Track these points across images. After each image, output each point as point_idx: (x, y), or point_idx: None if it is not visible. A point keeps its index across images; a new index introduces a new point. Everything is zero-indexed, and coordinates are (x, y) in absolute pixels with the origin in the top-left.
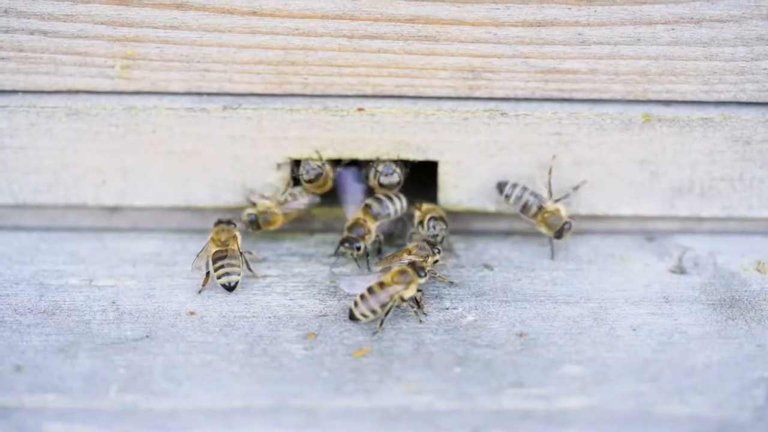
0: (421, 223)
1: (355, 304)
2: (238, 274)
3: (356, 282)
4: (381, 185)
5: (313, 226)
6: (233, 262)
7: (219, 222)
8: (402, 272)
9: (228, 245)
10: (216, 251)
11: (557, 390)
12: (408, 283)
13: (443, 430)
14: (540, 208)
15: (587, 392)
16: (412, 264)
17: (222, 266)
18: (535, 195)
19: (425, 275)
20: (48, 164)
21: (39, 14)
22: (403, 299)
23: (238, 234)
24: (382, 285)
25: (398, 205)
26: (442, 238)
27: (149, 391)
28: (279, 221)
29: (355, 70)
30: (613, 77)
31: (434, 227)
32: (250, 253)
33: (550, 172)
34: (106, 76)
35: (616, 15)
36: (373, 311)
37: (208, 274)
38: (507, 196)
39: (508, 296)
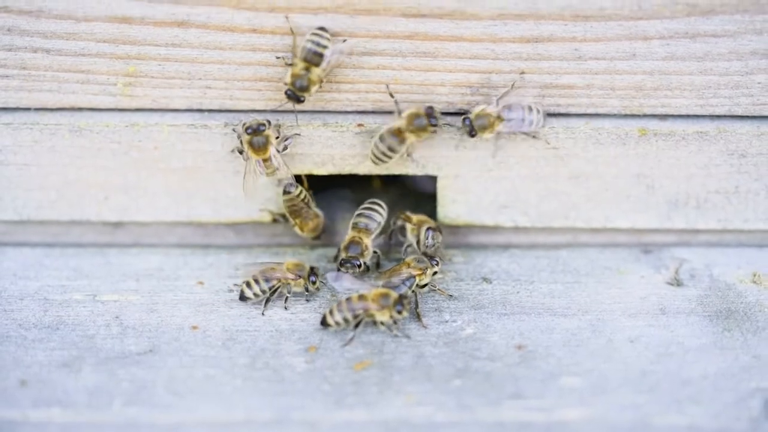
0: (417, 235)
1: (331, 312)
2: (254, 295)
3: (344, 282)
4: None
5: (313, 241)
6: (258, 281)
7: (311, 269)
8: (385, 295)
9: (278, 274)
10: (268, 268)
11: (556, 401)
12: (382, 308)
13: None
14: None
15: (586, 403)
16: (402, 296)
17: (250, 279)
18: None
19: (402, 311)
20: (51, 181)
21: (42, 32)
22: (381, 322)
23: (301, 281)
24: (361, 297)
25: (382, 211)
26: (436, 248)
27: (153, 405)
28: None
29: (355, 86)
30: (609, 92)
31: (432, 238)
32: (308, 300)
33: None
34: (108, 93)
35: (612, 30)
36: (346, 320)
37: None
38: None
39: (507, 309)
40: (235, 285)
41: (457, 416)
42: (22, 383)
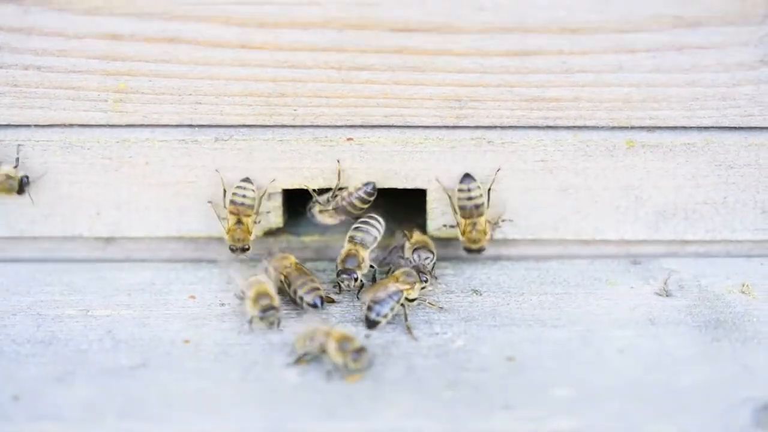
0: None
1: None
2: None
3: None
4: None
5: (304, 255)
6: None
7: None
8: (347, 340)
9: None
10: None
11: (547, 412)
12: (341, 350)
13: None
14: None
15: (576, 414)
16: (362, 348)
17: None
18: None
19: (358, 360)
20: (43, 196)
21: (33, 50)
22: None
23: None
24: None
25: (378, 226)
26: (432, 267)
27: (146, 419)
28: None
29: (344, 100)
30: (597, 104)
31: (421, 257)
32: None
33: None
34: (99, 109)
35: (599, 43)
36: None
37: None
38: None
39: (497, 321)
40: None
41: (448, 427)
42: (15, 398)
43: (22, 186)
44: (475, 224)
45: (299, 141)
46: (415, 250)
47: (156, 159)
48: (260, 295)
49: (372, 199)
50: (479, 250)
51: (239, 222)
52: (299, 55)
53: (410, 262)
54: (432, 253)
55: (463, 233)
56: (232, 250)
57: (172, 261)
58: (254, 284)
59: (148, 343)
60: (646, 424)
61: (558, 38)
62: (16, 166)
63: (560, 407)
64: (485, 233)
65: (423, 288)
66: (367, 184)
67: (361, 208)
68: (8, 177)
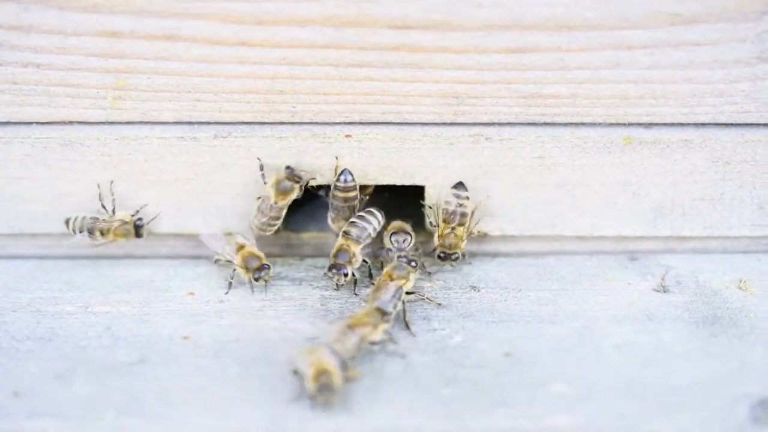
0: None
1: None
2: None
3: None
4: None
5: (303, 251)
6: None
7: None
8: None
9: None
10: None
11: (544, 409)
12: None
13: None
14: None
15: (574, 411)
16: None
17: None
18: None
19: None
20: (43, 194)
21: (32, 47)
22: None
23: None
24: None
25: (375, 222)
26: (415, 249)
27: (145, 415)
28: None
29: (342, 97)
30: (594, 101)
31: (399, 241)
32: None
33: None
34: (98, 106)
35: (596, 40)
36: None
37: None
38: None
39: (495, 317)
40: None
41: (446, 425)
42: (15, 395)
43: (138, 229)
44: (453, 229)
45: (298, 138)
46: (391, 235)
47: (155, 156)
48: (320, 373)
49: (351, 186)
50: (453, 257)
51: (242, 248)
52: (297, 52)
53: (386, 250)
54: (410, 235)
55: (440, 236)
56: (256, 279)
57: (171, 257)
58: (313, 363)
59: (147, 339)
60: (644, 421)
61: (555, 35)
62: (133, 215)
63: (558, 404)
64: (462, 240)
65: (414, 269)
66: (342, 173)
67: (346, 199)
68: (123, 223)
